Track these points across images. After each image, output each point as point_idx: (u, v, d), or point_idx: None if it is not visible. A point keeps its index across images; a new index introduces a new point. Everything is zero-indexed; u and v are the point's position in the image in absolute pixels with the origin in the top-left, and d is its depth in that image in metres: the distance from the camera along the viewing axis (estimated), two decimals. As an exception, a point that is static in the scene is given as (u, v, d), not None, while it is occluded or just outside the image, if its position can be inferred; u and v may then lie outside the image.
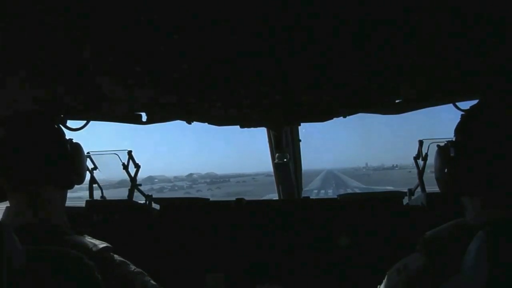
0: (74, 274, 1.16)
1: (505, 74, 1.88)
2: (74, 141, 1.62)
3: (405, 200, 2.78)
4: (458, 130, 1.15)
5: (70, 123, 2.49)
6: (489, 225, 0.93)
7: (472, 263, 0.91)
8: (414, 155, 2.59)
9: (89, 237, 1.41)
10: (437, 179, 1.23)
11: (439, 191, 1.23)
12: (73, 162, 1.51)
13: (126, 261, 1.40)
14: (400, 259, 1.23)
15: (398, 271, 1.16)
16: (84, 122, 2.42)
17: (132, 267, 1.39)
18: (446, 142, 1.19)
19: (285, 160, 2.99)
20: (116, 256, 1.42)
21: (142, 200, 2.96)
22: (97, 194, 2.88)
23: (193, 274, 2.77)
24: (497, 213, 1.01)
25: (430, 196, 2.54)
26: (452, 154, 1.11)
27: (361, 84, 1.99)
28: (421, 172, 2.59)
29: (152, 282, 1.40)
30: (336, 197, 2.83)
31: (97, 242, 1.38)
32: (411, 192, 2.74)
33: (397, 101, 2.20)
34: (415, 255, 1.16)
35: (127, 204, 2.80)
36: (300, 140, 3.24)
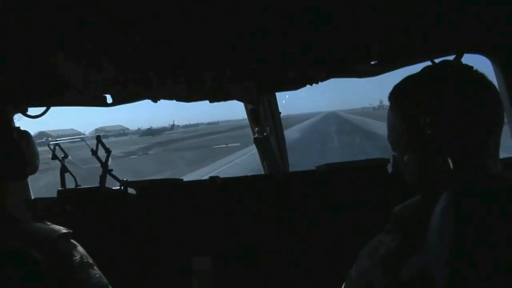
0: (17, 270, 1.14)
1: (483, 29, 1.79)
2: (21, 128, 1.53)
3: (390, 168, 2.68)
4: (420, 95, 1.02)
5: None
6: (454, 187, 0.86)
7: (437, 224, 0.85)
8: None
9: (49, 223, 1.35)
10: (394, 144, 1.10)
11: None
12: (21, 151, 1.42)
13: (78, 247, 1.33)
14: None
15: (369, 253, 1.08)
16: (45, 108, 2.33)
17: (84, 258, 1.31)
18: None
19: (265, 134, 2.90)
20: (76, 245, 1.35)
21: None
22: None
23: (179, 258, 2.71)
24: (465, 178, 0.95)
25: None
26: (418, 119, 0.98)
27: (331, 46, 1.88)
28: None
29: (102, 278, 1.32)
30: (314, 168, 2.73)
31: (56, 228, 1.33)
32: (396, 158, 2.64)
33: (372, 62, 2.09)
34: (386, 235, 1.07)
35: (101, 191, 2.71)
36: (280, 113, 3.14)
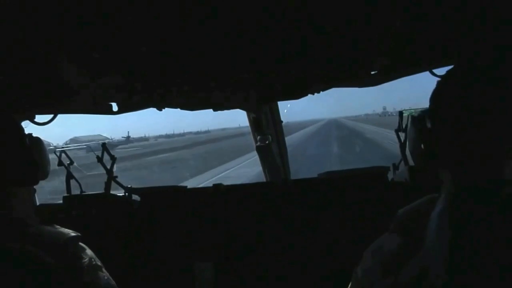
0: (31, 274, 1.14)
1: (481, 38, 1.82)
2: (33, 135, 1.56)
3: (390, 175, 2.72)
4: (433, 98, 1.05)
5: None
6: (452, 191, 0.88)
7: (434, 229, 0.87)
8: (395, 128, 2.52)
9: (57, 226, 1.36)
10: (411, 152, 1.15)
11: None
12: (33, 157, 1.44)
13: (86, 250, 1.34)
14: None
15: (372, 253, 1.10)
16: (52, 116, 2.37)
17: (95, 262, 1.33)
18: (420, 112, 1.10)
19: (267, 142, 2.93)
20: (85, 248, 1.36)
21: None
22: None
23: (181, 263, 2.73)
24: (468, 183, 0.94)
25: (413, 169, 2.48)
26: (428, 125, 1.02)
27: (333, 56, 1.92)
28: (403, 145, 2.53)
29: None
30: (316, 176, 2.77)
31: (64, 231, 1.32)
32: (395, 166, 2.68)
33: (372, 72, 2.13)
34: (390, 236, 1.09)
35: (106, 197, 2.74)
36: (282, 121, 3.18)
